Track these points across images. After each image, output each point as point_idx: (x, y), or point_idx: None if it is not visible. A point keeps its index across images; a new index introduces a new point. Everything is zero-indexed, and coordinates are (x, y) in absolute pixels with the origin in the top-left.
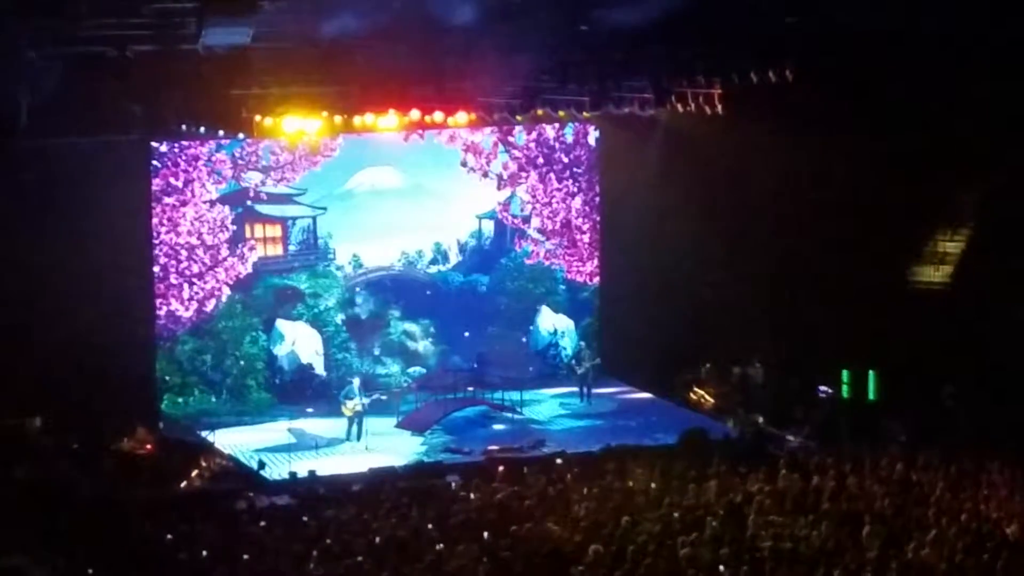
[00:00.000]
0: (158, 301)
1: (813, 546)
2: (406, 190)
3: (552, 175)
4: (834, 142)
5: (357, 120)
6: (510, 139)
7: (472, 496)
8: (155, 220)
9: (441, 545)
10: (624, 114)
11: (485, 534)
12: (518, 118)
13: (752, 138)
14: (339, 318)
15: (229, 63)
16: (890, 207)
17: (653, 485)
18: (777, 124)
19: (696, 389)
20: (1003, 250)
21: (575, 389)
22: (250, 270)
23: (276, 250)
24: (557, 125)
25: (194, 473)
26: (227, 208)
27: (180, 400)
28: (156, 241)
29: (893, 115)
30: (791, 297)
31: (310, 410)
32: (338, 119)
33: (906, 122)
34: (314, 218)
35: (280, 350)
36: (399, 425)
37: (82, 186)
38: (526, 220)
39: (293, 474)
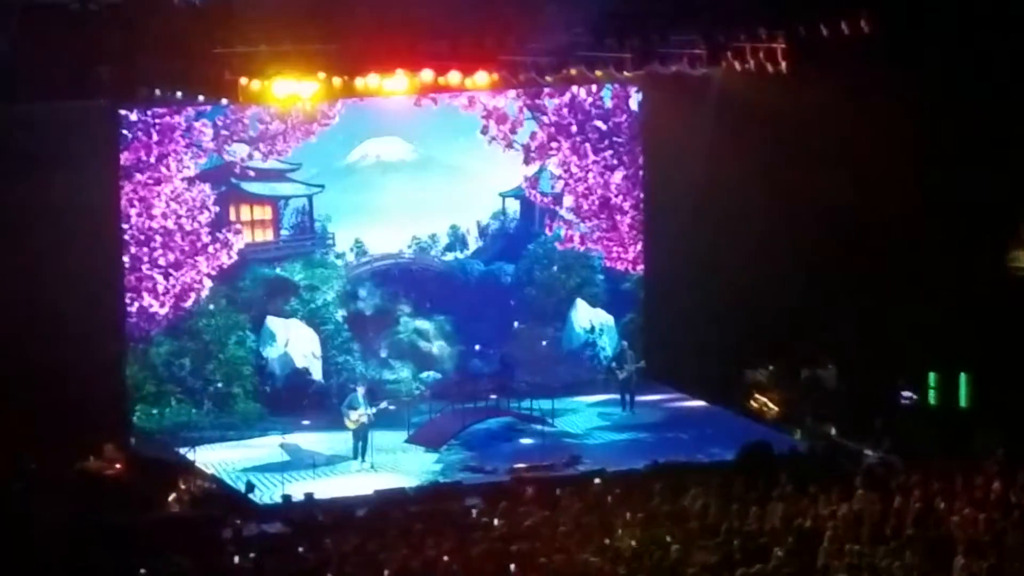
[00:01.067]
0: (128, 296)
1: None
2: (417, 164)
3: (588, 146)
4: (920, 108)
5: (359, 82)
6: (539, 103)
7: (496, 523)
8: (124, 200)
9: None
10: (672, 73)
11: (512, 567)
12: (548, 79)
13: (822, 101)
14: (340, 315)
15: (210, 16)
16: (992, 184)
17: (708, 509)
18: (852, 85)
19: (758, 396)
20: None
21: (616, 396)
22: (235, 259)
23: (266, 235)
24: (594, 87)
25: (171, 497)
26: (208, 186)
27: (155, 411)
28: (126, 225)
29: (995, 78)
30: (868, 287)
31: (306, 422)
32: (337, 81)
33: (1011, 87)
34: (310, 197)
35: (271, 352)
36: (410, 440)
37: (38, 161)
38: (557, 199)
39: (287, 497)
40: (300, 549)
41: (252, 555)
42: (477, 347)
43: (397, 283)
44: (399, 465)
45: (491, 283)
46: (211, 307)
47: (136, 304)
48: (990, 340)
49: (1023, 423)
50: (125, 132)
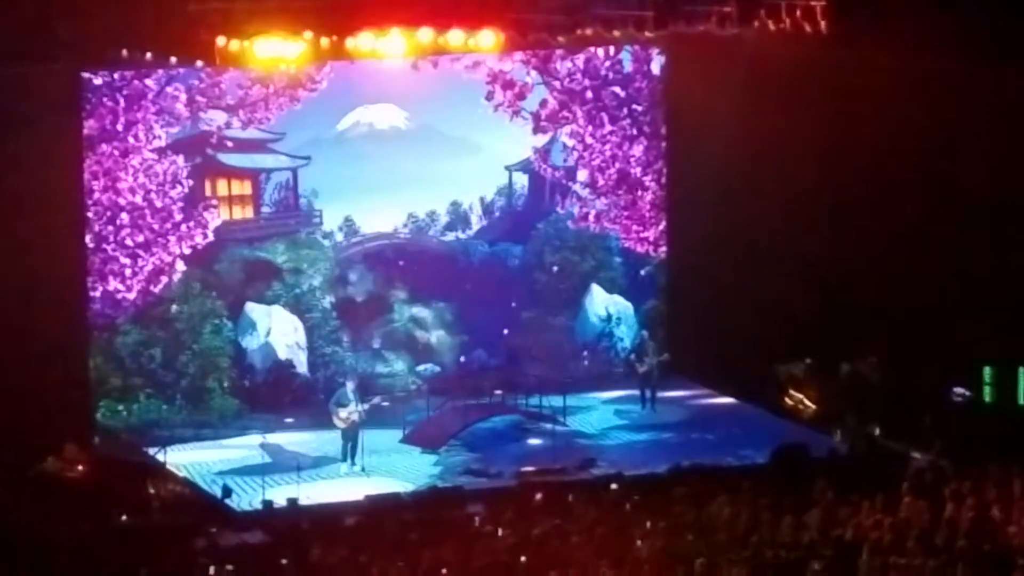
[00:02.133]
0: (91, 279)
1: None
2: (414, 134)
3: (604, 114)
4: (976, 69)
5: (350, 42)
6: (550, 67)
7: (501, 532)
8: (87, 174)
9: None
10: (698, 33)
11: None
12: (560, 39)
13: (866, 65)
14: (327, 301)
15: None
16: None
17: (737, 518)
18: (898, 45)
19: (793, 392)
20: None
21: (635, 392)
22: (211, 238)
23: (245, 212)
24: (611, 49)
25: (139, 503)
26: (181, 158)
27: (121, 408)
28: (89, 201)
29: None
30: (918, 271)
31: (289, 420)
32: (325, 41)
33: None
34: (294, 171)
35: (251, 343)
36: (406, 440)
37: None
38: (570, 173)
39: (268, 503)
40: (283, 561)
41: (229, 567)
42: (481, 337)
43: (391, 266)
44: (393, 468)
45: (496, 266)
46: (184, 292)
47: (100, 288)
48: None
49: None
50: (89, 98)
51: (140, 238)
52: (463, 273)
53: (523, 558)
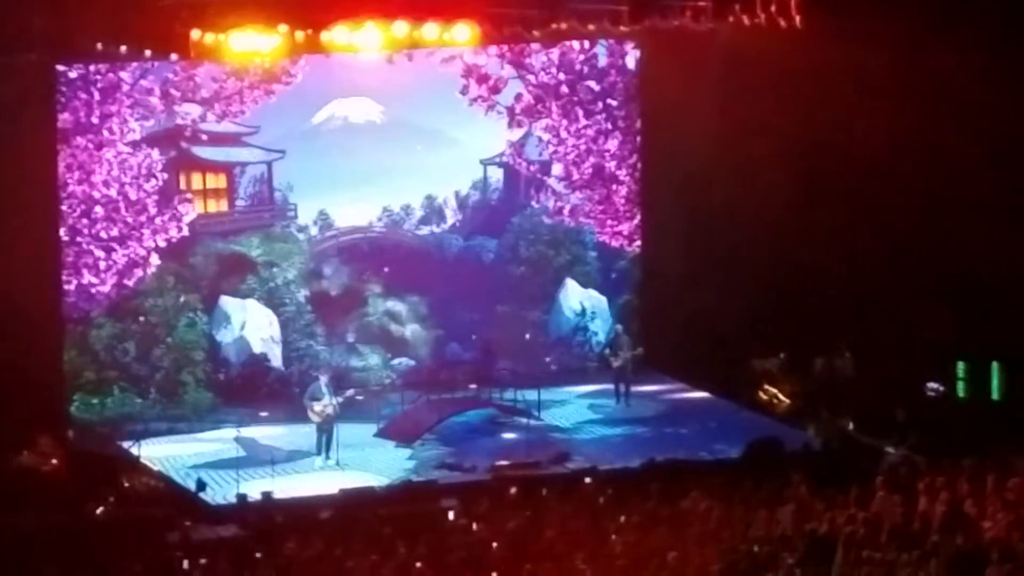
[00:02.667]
0: (66, 273)
1: None
2: (389, 128)
3: (579, 109)
4: (949, 64)
5: (325, 36)
6: (525, 61)
7: (475, 526)
8: (62, 166)
9: None
10: (673, 28)
11: (492, 575)
12: (535, 33)
13: (840, 60)
14: (302, 294)
15: None
16: None
17: (711, 512)
18: (874, 41)
19: (767, 386)
20: None
21: (609, 387)
22: (186, 232)
23: (220, 206)
24: (586, 43)
25: (113, 496)
26: (156, 151)
27: (95, 401)
28: (63, 194)
29: None
30: (890, 266)
31: (264, 414)
32: (300, 35)
33: None
34: (269, 164)
35: (225, 336)
36: (380, 434)
37: None
38: (545, 167)
39: (242, 497)
40: (257, 555)
41: (203, 561)
42: (456, 331)
43: (366, 260)
44: (367, 462)
45: (471, 260)
46: (158, 285)
47: (74, 282)
48: None
49: None
50: (63, 91)
51: (114, 231)
52: (438, 267)
53: (497, 552)
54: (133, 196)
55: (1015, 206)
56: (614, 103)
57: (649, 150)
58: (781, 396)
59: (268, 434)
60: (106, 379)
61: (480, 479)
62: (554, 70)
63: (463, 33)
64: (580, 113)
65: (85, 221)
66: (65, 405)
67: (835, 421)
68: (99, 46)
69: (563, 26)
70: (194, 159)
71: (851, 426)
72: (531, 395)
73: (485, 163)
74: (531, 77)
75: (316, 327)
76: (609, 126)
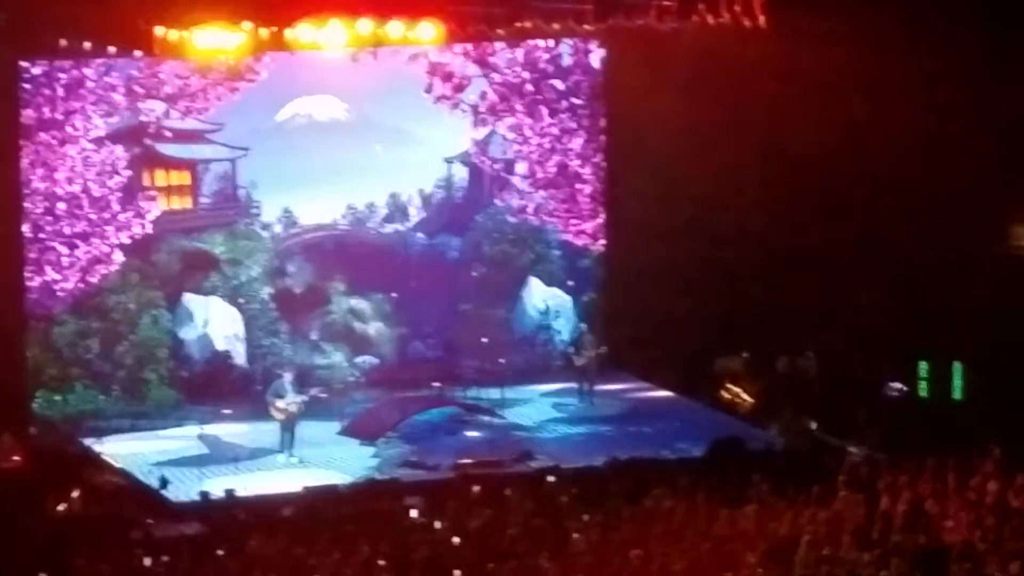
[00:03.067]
0: (28, 269)
1: None
2: (353, 125)
3: (543, 107)
4: (913, 62)
5: (289, 33)
6: (489, 60)
7: (438, 525)
8: (25, 163)
9: None
10: (638, 27)
11: (456, 573)
12: (500, 31)
13: (805, 58)
14: (265, 292)
15: None
16: (994, 150)
17: (673, 511)
18: (838, 39)
19: (730, 386)
20: None
21: (573, 385)
22: (150, 229)
23: (183, 203)
24: (551, 42)
25: (75, 493)
26: (120, 148)
27: (57, 398)
28: (26, 191)
29: (995, 28)
30: (853, 267)
31: (227, 411)
32: (264, 32)
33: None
34: (233, 161)
35: (188, 333)
36: (343, 431)
37: None
38: (509, 165)
39: (205, 495)
40: (219, 552)
41: (165, 558)
42: (419, 329)
43: (330, 257)
44: (331, 459)
45: (435, 258)
46: (122, 282)
47: (37, 279)
48: (987, 326)
49: (1022, 417)
50: (26, 87)
51: (78, 228)
52: (402, 265)
53: (460, 550)
54: (97, 193)
55: (980, 206)
56: (579, 102)
57: (614, 149)
58: (744, 395)
59: (231, 431)
60: (69, 376)
61: (443, 477)
62: (519, 68)
63: (428, 31)
64: (545, 112)
65: (48, 218)
66: (27, 402)
67: (798, 420)
68: (63, 42)
69: (528, 24)
70: (158, 156)
71: (813, 425)
72: (494, 393)
73: (450, 161)
74: (496, 75)
75: (280, 325)
76: (574, 125)
